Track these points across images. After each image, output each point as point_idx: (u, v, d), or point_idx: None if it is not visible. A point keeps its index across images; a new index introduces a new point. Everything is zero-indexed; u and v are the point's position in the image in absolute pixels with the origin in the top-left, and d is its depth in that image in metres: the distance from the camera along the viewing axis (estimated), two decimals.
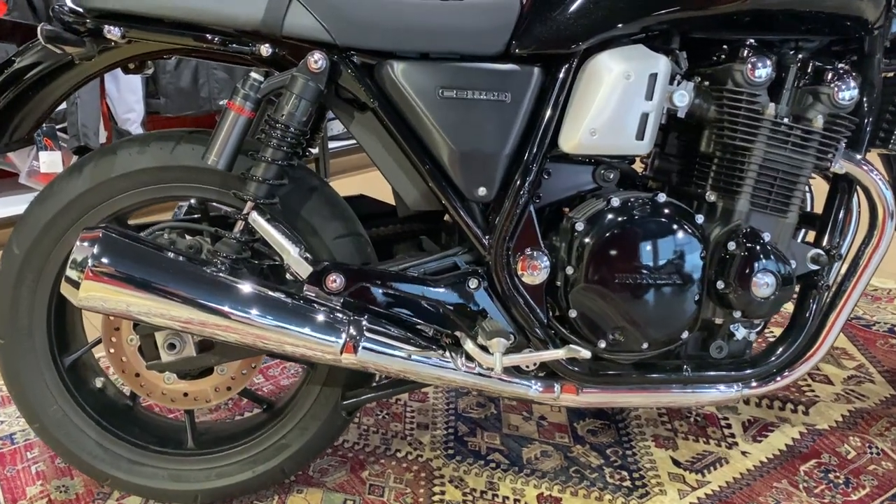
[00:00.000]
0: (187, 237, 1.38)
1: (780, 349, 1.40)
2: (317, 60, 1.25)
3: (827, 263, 1.35)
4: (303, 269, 1.26)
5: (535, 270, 1.32)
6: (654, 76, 1.29)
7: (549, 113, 1.32)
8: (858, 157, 1.36)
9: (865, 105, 1.37)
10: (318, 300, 1.27)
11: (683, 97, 1.32)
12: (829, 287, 1.37)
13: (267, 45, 1.26)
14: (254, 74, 1.27)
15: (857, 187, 1.40)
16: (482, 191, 1.32)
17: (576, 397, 1.40)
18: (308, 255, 1.28)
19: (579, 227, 1.31)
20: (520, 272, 1.33)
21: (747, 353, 1.41)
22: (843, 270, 1.44)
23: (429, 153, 1.31)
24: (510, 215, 1.32)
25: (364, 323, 1.27)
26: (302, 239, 1.38)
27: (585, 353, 1.27)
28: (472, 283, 1.32)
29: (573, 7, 1.31)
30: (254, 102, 1.27)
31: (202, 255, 1.33)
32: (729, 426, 1.71)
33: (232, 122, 1.26)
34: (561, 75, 1.32)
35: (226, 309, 1.20)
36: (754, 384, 1.42)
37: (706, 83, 1.36)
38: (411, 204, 1.36)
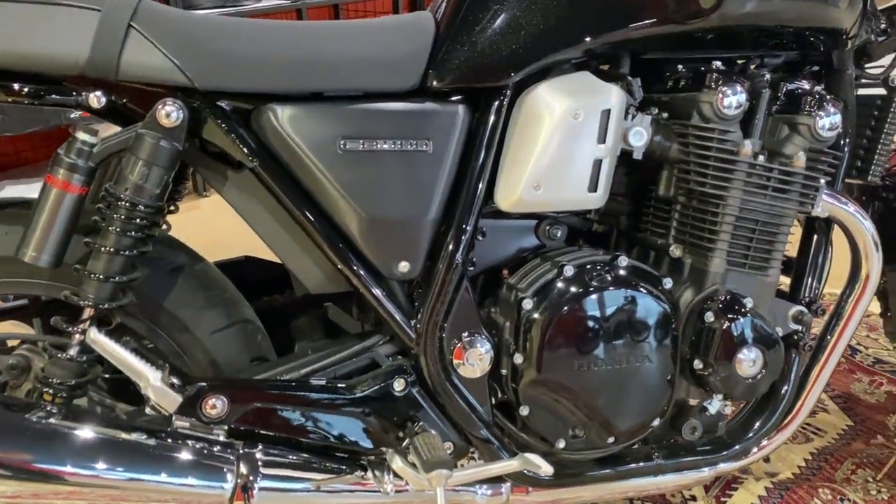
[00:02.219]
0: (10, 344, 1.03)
1: (759, 422, 1.21)
2: (169, 112, 0.92)
3: (810, 322, 1.15)
4: (168, 401, 0.94)
5: (474, 360, 1.05)
6: (606, 113, 1.04)
7: (480, 163, 1.04)
8: (838, 194, 1.16)
9: (843, 134, 1.18)
10: (194, 433, 0.95)
11: (641, 135, 1.07)
12: (811, 347, 1.18)
13: (98, 92, 0.93)
14: (81, 135, 0.92)
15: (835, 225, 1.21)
16: (404, 266, 1.03)
17: (526, 497, 1.16)
18: (174, 380, 0.95)
19: (527, 304, 1.05)
20: (456, 363, 1.06)
21: (721, 427, 1.20)
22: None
23: (331, 223, 1.01)
24: (441, 293, 1.04)
25: (258, 456, 0.97)
26: (169, 339, 1.05)
27: (546, 469, 1.02)
28: (398, 385, 1.04)
29: (500, 26, 1.03)
30: (85, 174, 0.92)
31: (29, 381, 0.98)
32: (688, 487, 1.52)
33: (55, 202, 0.92)
34: (492, 115, 1.05)
35: (64, 469, 0.86)
36: (729, 462, 1.21)
37: (664, 115, 1.12)
38: (313, 287, 1.06)
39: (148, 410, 0.95)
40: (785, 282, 1.23)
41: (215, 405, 0.96)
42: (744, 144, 1.06)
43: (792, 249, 1.21)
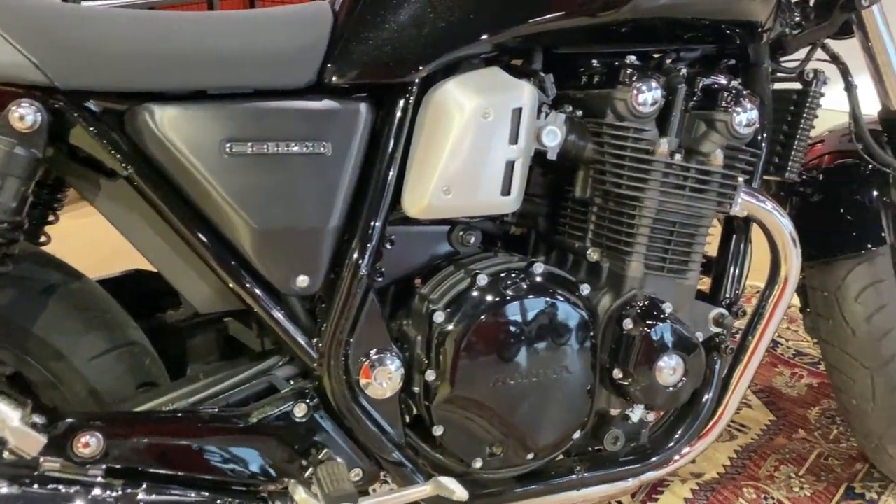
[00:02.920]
0: None
1: (682, 428, 1.17)
2: (24, 115, 0.81)
3: (731, 325, 1.12)
4: (30, 443, 0.82)
5: (383, 379, 0.98)
6: (517, 112, 0.98)
7: (385, 166, 0.97)
8: (755, 192, 1.13)
9: (760, 129, 1.15)
10: (65, 476, 0.85)
11: (554, 135, 1.02)
12: (732, 350, 1.14)
13: None
14: None
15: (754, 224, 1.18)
16: (302, 281, 0.95)
17: None
18: (37, 420, 0.84)
19: (438, 316, 0.97)
20: (363, 383, 0.98)
21: (644, 435, 1.16)
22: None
23: (218, 235, 0.92)
24: (345, 308, 0.96)
25: (141, 497, 0.87)
26: (41, 369, 0.94)
27: (460, 493, 0.95)
28: (299, 411, 0.96)
29: (404, 18, 0.96)
30: None
31: None
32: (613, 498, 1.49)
33: None
34: (397, 113, 0.97)
35: None
36: (654, 471, 1.17)
37: (579, 112, 1.06)
38: (201, 307, 0.97)
39: (6, 455, 0.83)
40: (705, 281, 1.20)
41: (88, 443, 0.85)
42: (660, 143, 1.01)
43: (711, 249, 1.18)
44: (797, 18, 1.28)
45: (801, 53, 1.30)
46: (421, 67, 0.96)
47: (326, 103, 0.95)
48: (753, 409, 1.74)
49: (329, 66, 0.95)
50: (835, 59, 1.31)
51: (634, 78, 1.00)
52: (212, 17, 0.95)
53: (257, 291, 0.93)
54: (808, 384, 1.83)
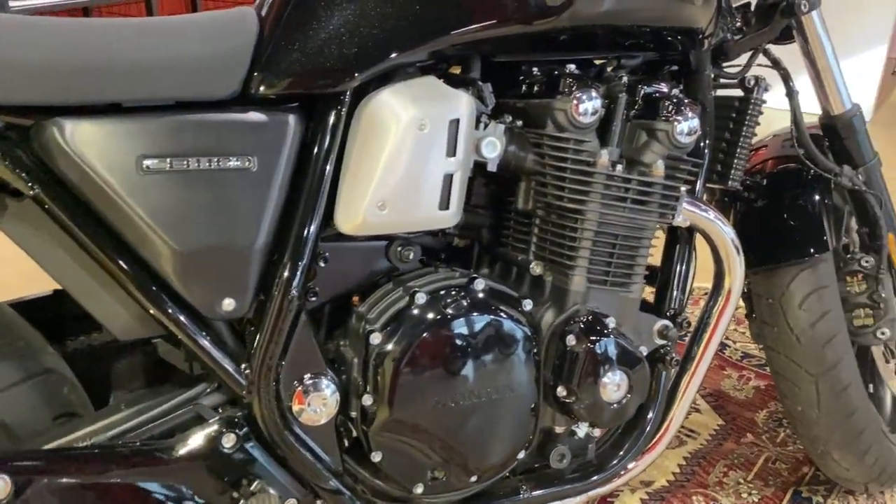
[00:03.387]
0: None
1: (629, 442, 1.15)
2: None
3: (676, 337, 1.10)
4: None
5: (318, 405, 0.93)
6: (455, 123, 0.94)
7: (316, 181, 0.92)
8: (697, 201, 1.11)
9: (703, 137, 1.14)
10: None
11: (494, 146, 0.98)
12: (678, 362, 1.13)
13: None
14: None
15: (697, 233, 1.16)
16: (228, 304, 0.90)
17: None
18: None
19: (375, 338, 0.93)
20: (297, 410, 0.93)
21: (590, 450, 1.13)
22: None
23: (136, 258, 0.86)
24: (275, 331, 0.91)
25: None
26: None
27: None
28: (227, 442, 0.90)
29: (335, 25, 0.91)
30: None
31: None
32: None
33: None
34: (328, 125, 0.92)
35: None
36: (601, 487, 1.15)
37: (519, 122, 1.03)
38: (120, 333, 0.91)
39: None
40: (650, 290, 1.18)
41: None
42: (601, 154, 0.99)
43: (655, 259, 1.16)
44: (738, 24, 1.27)
45: (744, 59, 1.30)
46: (353, 77, 0.91)
47: (252, 115, 0.90)
48: (702, 414, 1.73)
49: (255, 75, 0.90)
50: (776, 64, 1.31)
51: (574, 88, 0.97)
52: (127, 24, 0.89)
53: (180, 316, 0.87)
54: (756, 387, 1.84)
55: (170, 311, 0.87)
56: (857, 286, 1.35)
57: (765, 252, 1.29)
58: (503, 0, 0.94)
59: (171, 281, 0.87)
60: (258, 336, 0.92)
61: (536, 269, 1.04)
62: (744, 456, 1.59)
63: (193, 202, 0.86)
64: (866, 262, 1.32)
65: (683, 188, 1.04)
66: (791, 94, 1.28)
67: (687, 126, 1.01)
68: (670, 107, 1.02)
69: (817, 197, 1.31)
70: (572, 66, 1.01)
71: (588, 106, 0.97)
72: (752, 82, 1.19)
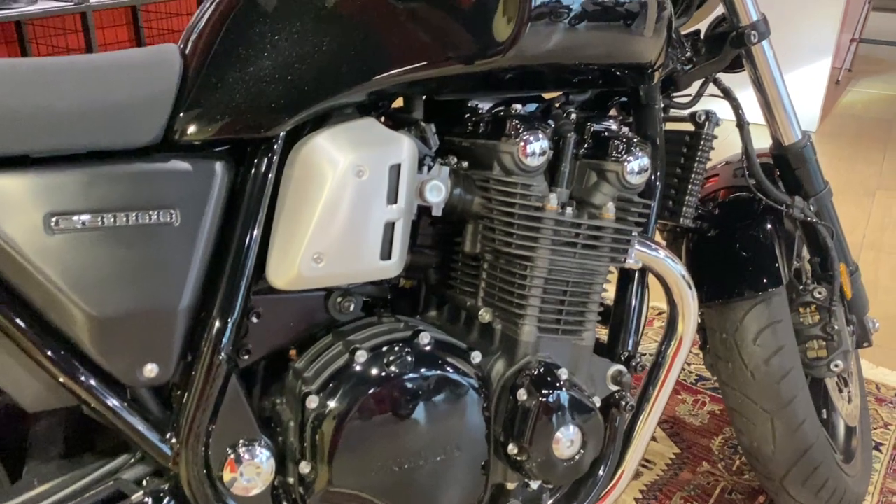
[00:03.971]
0: None
1: (583, 491, 1.10)
2: None
3: (630, 382, 1.07)
4: None
5: (251, 474, 0.87)
6: (396, 168, 0.89)
7: (246, 233, 0.86)
8: (647, 240, 1.08)
9: (653, 174, 1.11)
10: None
11: (438, 190, 0.93)
12: (633, 407, 1.09)
13: None
14: None
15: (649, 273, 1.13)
16: (150, 370, 0.83)
17: None
18: None
19: (312, 401, 0.87)
20: (228, 480, 0.86)
21: (545, 499, 1.09)
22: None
23: (46, 324, 0.79)
24: (203, 396, 0.85)
25: None
26: None
27: None
28: None
29: (265, 64, 0.85)
30: None
31: None
32: None
33: None
34: (258, 173, 0.86)
35: None
36: None
37: (465, 164, 0.98)
38: (29, 405, 0.83)
39: None
40: (602, 329, 1.15)
41: None
42: (549, 198, 0.94)
43: (608, 294, 1.12)
44: (688, 54, 1.25)
45: (694, 88, 1.27)
46: (285, 120, 0.86)
47: (174, 164, 0.83)
48: (658, 443, 1.71)
49: (177, 120, 0.84)
50: (727, 94, 1.29)
51: (521, 130, 0.92)
52: (34, 66, 0.82)
53: (95, 386, 0.80)
54: (711, 411, 1.82)
55: (83, 379, 0.80)
56: (811, 317, 1.33)
57: (718, 286, 1.27)
58: (444, 39, 0.89)
59: (84, 348, 0.79)
60: (185, 401, 0.85)
61: (485, 316, 0.99)
62: (700, 487, 1.57)
63: (109, 262, 0.79)
64: (819, 293, 1.31)
65: (635, 231, 1.01)
66: (741, 124, 1.26)
67: (637, 166, 0.98)
68: (620, 146, 0.98)
69: (770, 228, 1.29)
70: (519, 106, 0.97)
71: (535, 148, 0.93)
72: (703, 117, 1.16)
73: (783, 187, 1.31)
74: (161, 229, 0.81)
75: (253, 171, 0.87)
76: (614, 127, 1.05)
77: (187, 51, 0.88)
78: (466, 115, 1.02)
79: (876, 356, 2.00)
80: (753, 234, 1.29)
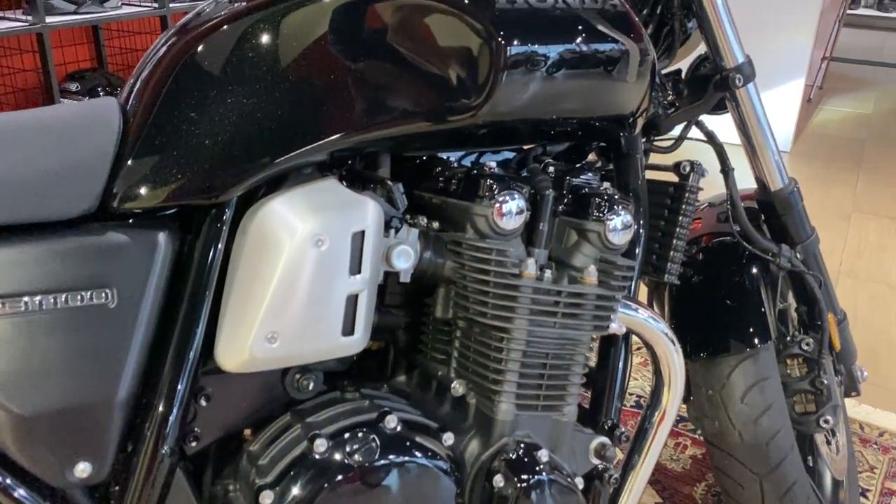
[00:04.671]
0: None
1: None
2: None
3: (614, 456, 1.00)
4: None
5: None
6: (359, 235, 0.81)
7: (191, 311, 0.77)
8: (628, 301, 1.01)
9: (636, 230, 1.04)
10: None
11: (407, 256, 0.86)
12: (616, 480, 1.02)
13: None
14: None
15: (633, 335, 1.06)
16: (82, 469, 0.74)
17: None
18: None
19: (266, 498, 0.79)
20: None
21: None
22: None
23: None
24: (144, 490, 0.76)
25: None
26: None
27: None
28: None
29: (214, 121, 0.77)
30: None
31: None
32: None
33: None
34: (206, 244, 0.78)
35: None
36: None
37: (436, 224, 0.91)
38: None
39: None
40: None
41: None
42: (527, 264, 0.87)
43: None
44: (670, 97, 1.19)
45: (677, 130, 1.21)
46: (237, 185, 0.78)
47: (111, 236, 0.75)
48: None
49: (116, 186, 0.76)
50: (710, 138, 1.23)
51: (495, 191, 0.85)
52: None
53: (18, 490, 0.71)
54: (693, 455, 1.76)
55: (7, 482, 0.71)
56: (798, 369, 1.28)
57: (703, 340, 1.21)
58: (409, 96, 0.81)
59: (7, 449, 0.70)
60: (124, 498, 0.76)
61: (458, 388, 0.92)
62: None
63: (34, 353, 0.70)
64: (806, 345, 1.25)
65: (619, 296, 0.94)
66: (726, 171, 1.20)
67: (620, 224, 0.91)
68: (602, 205, 0.91)
69: (756, 279, 1.23)
70: (493, 163, 0.90)
71: (511, 210, 0.86)
72: (688, 168, 1.10)
73: (768, 233, 1.26)
74: (95, 312, 0.73)
75: (200, 241, 0.79)
76: (595, 182, 0.98)
77: (129, 106, 0.80)
78: (438, 170, 0.94)
79: None
80: (740, 284, 1.23)
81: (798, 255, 1.25)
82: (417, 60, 0.81)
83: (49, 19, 2.76)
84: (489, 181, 0.86)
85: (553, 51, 0.85)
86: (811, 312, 1.28)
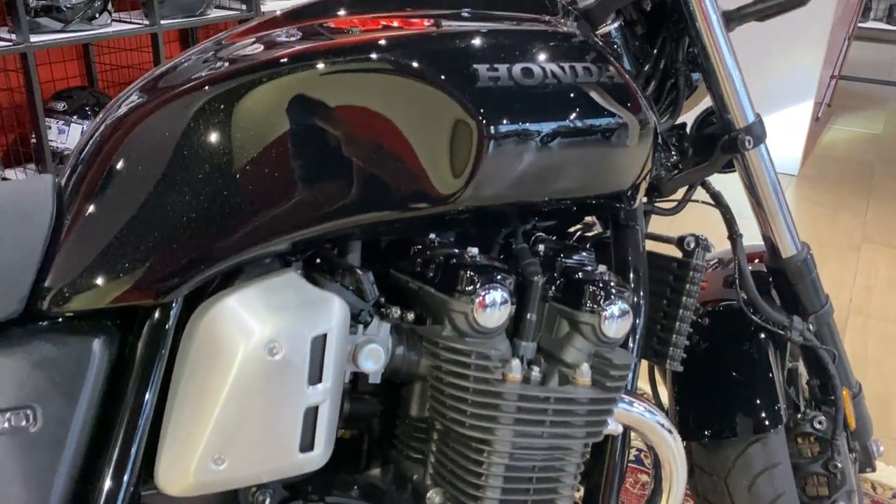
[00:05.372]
0: None
1: None
2: None
3: None
4: None
5: None
6: (321, 340, 0.72)
7: (127, 430, 0.68)
8: (626, 395, 0.92)
9: (636, 313, 0.95)
10: None
11: (377, 357, 0.77)
12: None
13: None
14: None
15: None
16: None
17: None
18: None
19: None
20: None
21: None
22: None
23: None
24: None
25: None
26: None
27: None
28: None
29: (154, 210, 0.68)
30: None
31: None
32: None
33: None
34: (146, 350, 0.69)
35: None
36: None
37: (410, 316, 0.82)
38: None
39: None
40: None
41: None
42: (511, 366, 0.78)
43: None
44: (674, 158, 1.10)
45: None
46: (183, 283, 0.69)
47: (36, 346, 0.66)
48: None
49: (45, 285, 0.67)
50: (717, 200, 1.13)
51: (476, 285, 0.76)
52: None
53: None
54: None
55: None
56: (810, 449, 1.18)
57: (707, 421, 1.11)
58: (380, 181, 0.72)
59: None
60: None
61: (435, 497, 0.82)
62: None
63: None
64: (819, 423, 1.16)
65: (616, 396, 0.84)
66: (733, 237, 1.11)
67: (618, 314, 0.82)
68: (597, 294, 0.82)
69: (766, 353, 1.13)
70: (475, 251, 0.80)
71: (494, 305, 0.76)
72: (693, 244, 1.00)
73: (778, 299, 1.16)
74: (13, 438, 0.64)
75: (141, 346, 0.70)
76: (589, 263, 0.88)
77: (66, 192, 0.71)
78: (416, 249, 0.85)
79: None
80: (748, 358, 1.13)
81: (811, 327, 1.16)
82: (389, 140, 0.72)
83: (35, 38, 2.68)
84: (469, 273, 0.77)
85: (541, 130, 0.76)
86: (824, 387, 1.19)
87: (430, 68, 0.72)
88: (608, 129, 0.81)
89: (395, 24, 0.78)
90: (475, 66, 0.73)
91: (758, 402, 1.10)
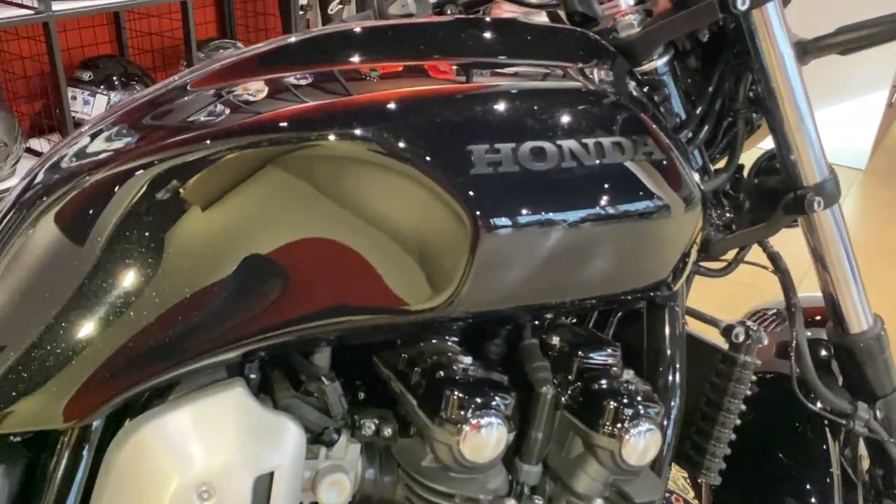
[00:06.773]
0: None
1: None
2: None
3: None
4: None
5: None
6: (267, 479, 0.58)
7: None
8: None
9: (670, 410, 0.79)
10: None
11: (340, 489, 0.63)
12: None
13: None
14: None
15: None
16: None
17: None
18: None
19: None
20: None
21: None
22: None
23: None
24: None
25: None
26: None
27: None
28: None
29: (69, 311, 0.56)
30: None
31: None
32: None
33: None
34: (63, 477, 0.57)
35: None
36: None
37: (387, 431, 0.68)
38: None
39: None
40: None
41: None
42: None
43: None
44: (728, 216, 0.92)
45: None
46: (105, 403, 0.56)
47: None
48: None
49: None
50: (775, 264, 0.95)
51: (465, 414, 0.61)
52: None
53: None
54: None
55: None
56: None
57: None
58: (352, 281, 0.58)
59: None
60: None
61: None
62: None
63: None
64: None
65: None
66: (791, 308, 0.93)
67: (643, 440, 0.66)
68: (619, 413, 0.66)
69: (824, 443, 0.97)
70: (468, 360, 0.65)
71: (486, 435, 0.62)
72: (742, 336, 0.83)
73: (842, 386, 0.99)
74: None
75: (51, 474, 0.57)
76: (612, 364, 0.72)
77: None
78: (402, 340, 0.71)
79: None
80: (802, 450, 0.97)
81: (878, 414, 0.98)
82: (362, 233, 0.57)
83: (57, 6, 2.57)
84: (457, 394, 0.62)
85: (553, 223, 0.60)
86: (889, 479, 1.02)
87: (409, 148, 0.56)
88: (643, 213, 0.64)
89: (377, 72, 0.62)
90: (470, 147, 0.57)
91: (812, 500, 0.94)
